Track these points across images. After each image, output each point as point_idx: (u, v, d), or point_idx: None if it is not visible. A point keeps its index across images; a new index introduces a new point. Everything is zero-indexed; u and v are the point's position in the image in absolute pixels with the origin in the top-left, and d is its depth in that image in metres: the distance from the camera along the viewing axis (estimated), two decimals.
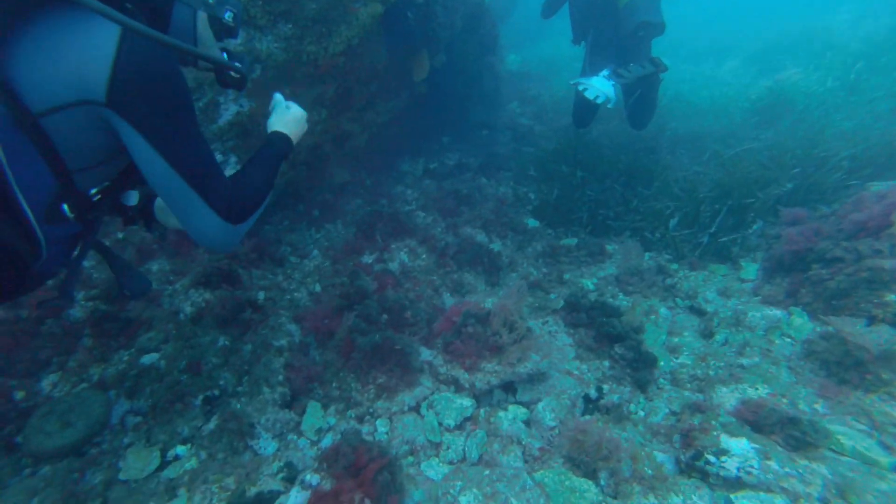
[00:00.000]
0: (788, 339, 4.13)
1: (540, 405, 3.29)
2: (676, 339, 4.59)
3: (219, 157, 5.49)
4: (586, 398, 3.53)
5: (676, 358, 4.35)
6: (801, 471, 2.55)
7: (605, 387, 3.67)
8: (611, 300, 4.13)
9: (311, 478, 2.50)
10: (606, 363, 3.80)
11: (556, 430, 3.15)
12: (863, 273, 3.83)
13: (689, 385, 3.86)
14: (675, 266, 5.76)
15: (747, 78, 12.65)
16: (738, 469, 2.58)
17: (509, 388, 3.53)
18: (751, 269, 5.51)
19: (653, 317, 5.09)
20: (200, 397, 3.15)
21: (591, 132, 8.83)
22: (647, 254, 6.12)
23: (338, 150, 7.73)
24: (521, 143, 10.07)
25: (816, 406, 3.41)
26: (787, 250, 4.64)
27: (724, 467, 2.61)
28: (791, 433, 2.68)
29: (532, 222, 6.97)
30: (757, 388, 3.41)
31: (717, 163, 7.01)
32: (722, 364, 4.06)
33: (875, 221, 3.94)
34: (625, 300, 5.37)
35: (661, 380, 4.11)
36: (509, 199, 7.66)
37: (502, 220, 6.59)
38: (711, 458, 2.66)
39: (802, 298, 4.35)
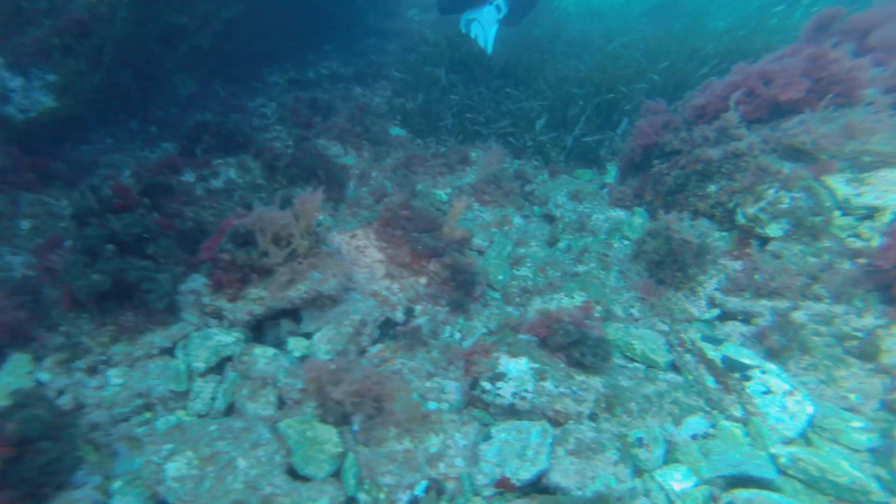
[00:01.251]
0: (627, 241, 3.70)
1: (316, 336, 2.64)
2: (523, 250, 4.07)
3: None
4: (387, 322, 2.92)
5: (518, 270, 3.84)
6: (575, 388, 2.11)
7: (418, 308, 3.08)
8: (434, 210, 3.45)
9: None
10: (423, 281, 3.19)
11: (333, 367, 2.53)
12: (697, 165, 3.35)
13: (517, 299, 3.36)
14: (536, 172, 5.18)
15: None
16: (513, 395, 2.09)
17: (296, 316, 2.86)
18: (614, 172, 5.05)
19: (506, 227, 4.54)
20: None
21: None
22: (516, 161, 5.49)
23: (172, 50, 6.27)
24: (410, 51, 8.77)
25: (633, 310, 3.01)
26: (637, 145, 4.12)
27: (499, 394, 2.11)
28: (572, 354, 2.20)
29: (397, 131, 6.07)
30: (573, 297, 2.93)
31: (595, 60, 6.30)
32: (559, 273, 3.59)
33: (713, 105, 3.41)
34: (481, 210, 4.77)
35: (495, 294, 3.61)
36: (382, 110, 6.64)
37: (356, 129, 5.64)
38: (487, 385, 2.14)
39: (646, 197, 3.90)
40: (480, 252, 4.12)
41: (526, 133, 5.47)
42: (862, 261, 2.63)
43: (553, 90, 5.44)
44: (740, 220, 3.07)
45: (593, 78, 5.42)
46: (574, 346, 2.16)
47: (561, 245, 3.91)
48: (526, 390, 2.08)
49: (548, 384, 2.09)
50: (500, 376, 2.13)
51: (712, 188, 3.33)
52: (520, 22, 6.27)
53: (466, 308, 3.19)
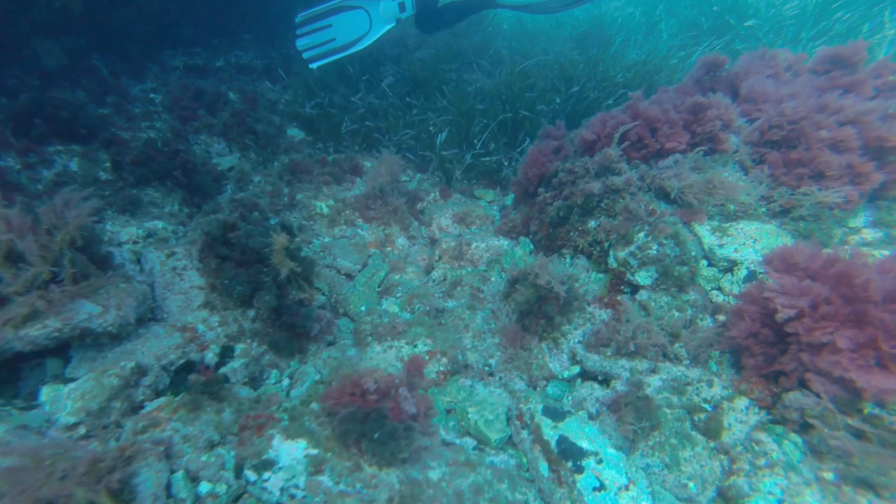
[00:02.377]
0: (506, 275, 3.32)
1: (68, 388, 1.97)
2: (397, 276, 3.57)
3: None
4: (186, 366, 2.30)
5: (385, 300, 3.33)
6: (361, 485, 1.61)
7: (240, 347, 2.48)
8: (258, 235, 2.82)
9: None
10: (251, 313, 2.59)
11: (81, 432, 1.88)
12: (578, 197, 3.01)
13: (369, 338, 2.84)
14: (432, 189, 4.72)
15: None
16: (282, 490, 1.56)
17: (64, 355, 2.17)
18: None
19: (388, 248, 4.03)
20: None
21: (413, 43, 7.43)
22: (419, 175, 5.01)
23: (23, 7, 5.29)
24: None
25: (491, 360, 2.59)
26: (533, 174, 3.74)
27: (265, 488, 1.57)
28: (360, 447, 1.68)
29: (295, 133, 5.42)
30: (416, 346, 2.45)
31: (505, 76, 5.96)
32: (425, 307, 3.12)
33: (602, 143, 3.09)
34: (363, 227, 4.23)
35: (347, 324, 3.08)
36: (290, 108, 5.92)
37: (243, 127, 4.94)
38: (251, 475, 1.60)
39: (532, 226, 3.54)
40: (350, 276, 3.58)
41: (430, 147, 5.02)
42: (721, 317, 2.35)
43: (455, 104, 5.01)
44: (612, 263, 2.73)
45: (500, 94, 5.06)
46: (360, 440, 1.66)
47: (435, 274, 3.44)
48: (296, 485, 1.55)
49: (325, 479, 1.57)
50: (269, 465, 1.59)
51: (592, 224, 3.00)
52: (428, 31, 5.83)
53: (302, 348, 2.63)
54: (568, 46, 8.39)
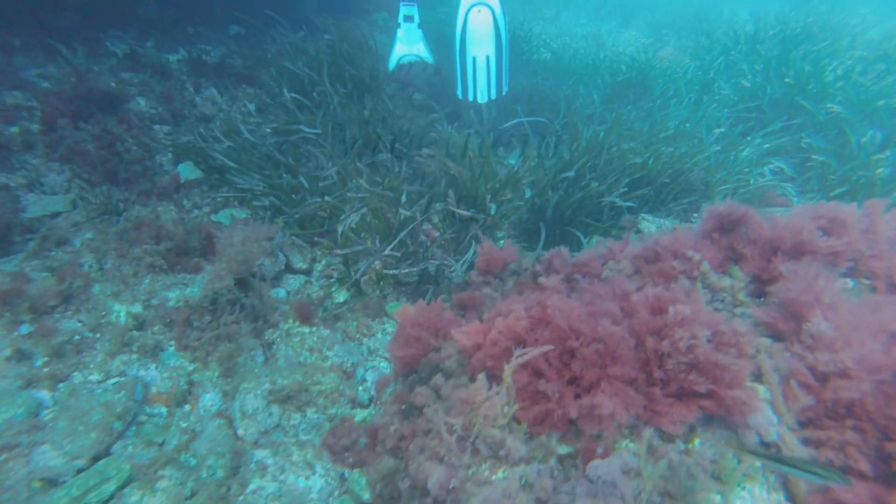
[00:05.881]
0: None
1: None
2: (136, 499, 1.91)
3: None
4: None
5: None
6: None
7: None
8: None
9: None
10: None
11: None
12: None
13: None
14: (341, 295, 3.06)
15: (632, 46, 9.86)
16: None
17: None
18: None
19: (186, 408, 2.40)
20: None
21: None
22: (326, 259, 3.37)
23: None
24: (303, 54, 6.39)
25: None
26: (402, 356, 2.04)
27: None
28: None
29: (189, 171, 3.88)
30: None
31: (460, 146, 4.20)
32: None
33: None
34: (168, 360, 2.61)
35: None
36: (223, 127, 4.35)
37: (102, 153, 3.43)
38: None
39: (372, 454, 1.83)
40: (56, 484, 1.97)
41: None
42: None
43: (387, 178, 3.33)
44: None
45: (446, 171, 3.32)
46: None
47: None
48: None
49: None
50: None
51: None
52: None
53: None
54: (597, 98, 6.48)
